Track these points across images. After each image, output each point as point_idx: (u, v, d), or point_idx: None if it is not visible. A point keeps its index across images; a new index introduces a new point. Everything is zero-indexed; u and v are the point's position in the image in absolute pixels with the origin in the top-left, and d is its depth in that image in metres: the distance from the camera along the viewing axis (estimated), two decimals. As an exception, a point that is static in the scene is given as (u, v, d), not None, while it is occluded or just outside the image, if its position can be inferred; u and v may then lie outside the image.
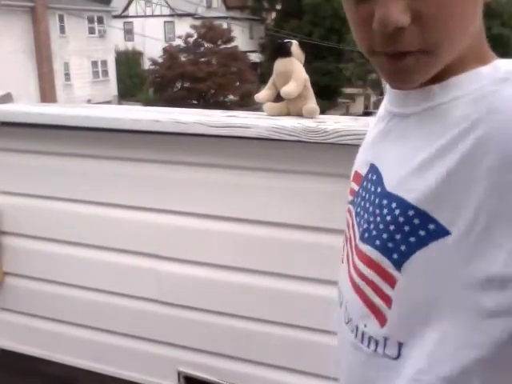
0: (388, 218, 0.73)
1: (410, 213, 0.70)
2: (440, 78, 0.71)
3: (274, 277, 1.83)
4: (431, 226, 0.68)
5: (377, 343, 0.76)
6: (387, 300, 0.74)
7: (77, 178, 2.05)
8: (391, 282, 0.73)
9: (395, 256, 0.72)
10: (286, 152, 1.70)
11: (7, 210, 2.19)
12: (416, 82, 0.71)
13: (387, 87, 0.78)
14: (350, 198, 0.88)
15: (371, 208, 0.78)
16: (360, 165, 0.87)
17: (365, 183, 0.83)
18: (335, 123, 1.61)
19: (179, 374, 2.07)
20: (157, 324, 2.06)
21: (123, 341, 2.13)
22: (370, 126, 0.90)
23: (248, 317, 1.91)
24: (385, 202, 0.75)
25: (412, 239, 0.70)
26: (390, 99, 0.81)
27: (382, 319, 0.75)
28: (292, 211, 1.75)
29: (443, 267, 0.68)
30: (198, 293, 1.97)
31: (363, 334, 0.78)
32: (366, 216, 0.79)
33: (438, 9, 0.65)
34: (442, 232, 0.67)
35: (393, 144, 0.78)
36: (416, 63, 0.68)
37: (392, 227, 0.72)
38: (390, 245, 0.73)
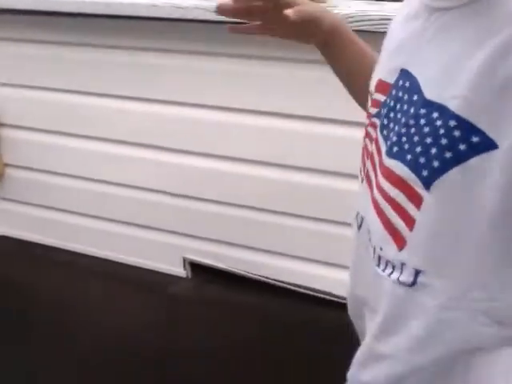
0: (426, 129, 0.65)
1: (451, 123, 0.62)
2: None
3: (279, 168, 1.83)
4: (474, 139, 0.60)
5: (393, 267, 0.70)
6: (410, 222, 0.67)
7: (74, 68, 1.99)
8: (417, 201, 0.66)
9: (425, 173, 0.64)
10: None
11: (4, 102, 2.14)
12: None
13: None
14: (374, 110, 0.79)
15: (404, 119, 0.69)
16: (385, 72, 0.77)
17: (394, 92, 0.73)
18: (347, 8, 1.53)
19: (185, 260, 2.13)
20: (160, 213, 2.08)
21: (128, 229, 2.17)
22: (391, 27, 0.80)
23: (252, 206, 1.93)
24: (423, 111, 0.66)
25: (448, 154, 0.62)
26: None
27: (400, 242, 0.69)
28: (293, 100, 1.71)
29: (481, 190, 0.61)
30: (200, 182, 1.97)
31: (380, 258, 0.73)
32: (396, 128, 0.70)
33: None
34: (487, 145, 0.59)
35: (431, 44, 0.68)
36: None
37: (429, 139, 0.64)
38: (422, 160, 0.65)
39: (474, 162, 0.61)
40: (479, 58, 0.60)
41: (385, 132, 0.74)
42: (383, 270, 0.72)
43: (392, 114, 0.73)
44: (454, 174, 0.62)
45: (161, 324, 1.96)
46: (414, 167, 0.66)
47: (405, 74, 0.72)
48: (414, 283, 0.68)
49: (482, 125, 0.60)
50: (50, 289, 2.13)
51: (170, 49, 1.83)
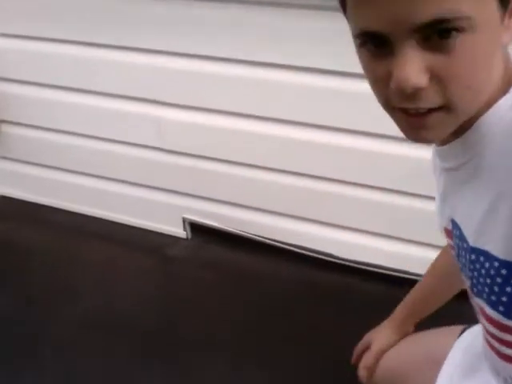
0: (482, 271, 0.72)
1: (496, 264, 0.68)
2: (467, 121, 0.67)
3: (282, 124, 1.77)
4: None
5: None
6: None
7: (71, 17, 1.90)
8: (510, 330, 0.73)
9: (501, 308, 0.72)
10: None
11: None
12: (437, 139, 0.67)
13: None
14: (452, 252, 0.86)
15: (467, 264, 0.77)
16: (445, 219, 0.84)
17: (454, 239, 0.81)
18: None
19: (184, 220, 2.09)
20: (160, 172, 2.03)
21: (126, 188, 2.12)
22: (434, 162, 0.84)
23: (253, 165, 1.88)
24: (473, 256, 0.73)
25: (509, 289, 0.69)
26: (435, 152, 0.78)
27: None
28: (296, 51, 1.63)
29: None
30: (202, 140, 1.91)
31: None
32: (467, 272, 0.78)
33: (460, 68, 0.59)
34: None
35: (457, 196, 0.75)
36: (437, 120, 0.63)
37: (488, 281, 0.71)
38: (493, 298, 0.72)
39: None
40: (488, 207, 0.66)
41: (464, 272, 0.81)
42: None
43: (461, 259, 0.80)
44: None
45: (160, 286, 1.93)
46: (492, 305, 0.73)
47: (454, 223, 0.79)
48: None
49: None
50: (46, 249, 2.10)
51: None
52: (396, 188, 1.71)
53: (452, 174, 0.74)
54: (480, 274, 0.73)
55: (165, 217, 2.11)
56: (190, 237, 2.11)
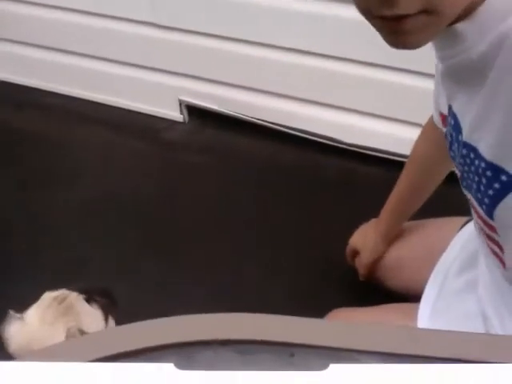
0: (472, 168, 0.72)
1: (482, 164, 0.68)
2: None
3: None
4: (503, 178, 0.66)
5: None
6: (499, 246, 0.76)
7: None
8: (493, 229, 0.74)
9: (484, 207, 0.72)
10: None
11: None
12: (420, 45, 0.63)
13: None
14: (446, 141, 0.84)
15: (458, 157, 0.76)
16: (442, 104, 0.82)
17: (448, 128, 0.79)
18: None
19: (181, 103, 2.00)
20: (155, 50, 1.92)
21: (121, 69, 2.01)
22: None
23: (256, 42, 1.76)
24: (464, 151, 0.73)
25: (490, 192, 0.69)
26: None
27: (502, 263, 0.79)
28: None
29: None
30: (200, 14, 1.79)
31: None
32: (458, 164, 0.78)
33: None
34: None
35: (454, 87, 0.73)
36: (418, 25, 0.59)
37: (476, 178, 0.71)
38: (479, 195, 0.72)
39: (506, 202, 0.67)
40: (478, 110, 0.65)
41: (455, 161, 0.80)
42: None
43: (452, 148, 0.79)
44: (502, 208, 0.69)
45: (157, 172, 1.89)
46: (478, 201, 0.74)
47: (451, 110, 0.76)
48: None
49: (503, 164, 0.65)
50: (39, 133, 2.03)
51: None
52: (405, 67, 1.62)
53: (449, 63, 0.71)
54: (469, 170, 0.73)
55: (160, 99, 2.02)
56: (187, 120, 2.04)
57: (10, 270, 1.54)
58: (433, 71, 0.85)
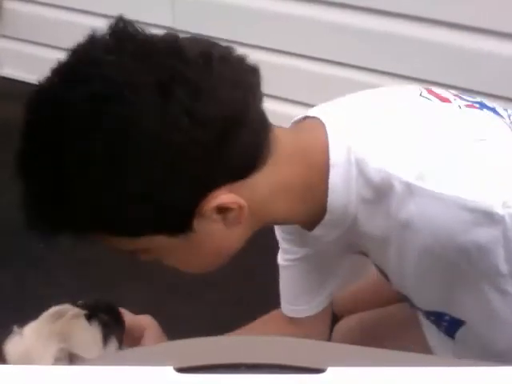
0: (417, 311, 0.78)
1: (421, 313, 0.77)
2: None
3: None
4: (446, 318, 0.72)
5: None
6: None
7: None
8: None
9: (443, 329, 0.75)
10: None
11: None
12: None
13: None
14: None
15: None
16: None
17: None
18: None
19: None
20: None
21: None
22: None
23: (269, 48, 1.76)
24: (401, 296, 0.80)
25: (442, 329, 0.74)
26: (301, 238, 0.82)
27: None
28: None
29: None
30: (219, 21, 1.78)
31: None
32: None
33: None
34: (458, 321, 0.71)
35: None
36: None
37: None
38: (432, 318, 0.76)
39: (460, 333, 0.72)
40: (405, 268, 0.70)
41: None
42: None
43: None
44: (460, 334, 0.72)
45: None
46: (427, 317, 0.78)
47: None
48: None
49: (441, 310, 0.71)
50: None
51: None
52: (407, 74, 1.59)
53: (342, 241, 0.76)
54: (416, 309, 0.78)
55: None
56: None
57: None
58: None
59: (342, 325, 1.11)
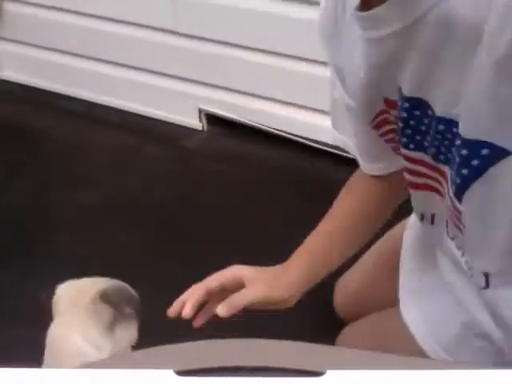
0: (446, 142, 0.67)
1: (457, 142, 0.63)
2: None
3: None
4: (484, 152, 0.60)
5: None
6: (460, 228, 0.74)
7: None
8: (459, 212, 0.71)
9: (454, 189, 0.68)
10: None
11: None
12: None
13: None
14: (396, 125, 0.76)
15: (431, 134, 0.69)
16: (379, 93, 0.75)
17: (400, 111, 0.72)
18: None
19: (200, 111, 1.99)
20: (176, 58, 1.91)
21: (142, 76, 2.01)
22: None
23: (275, 52, 1.74)
24: (440, 127, 0.66)
25: (464, 171, 0.64)
26: (355, 21, 0.68)
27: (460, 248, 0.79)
28: None
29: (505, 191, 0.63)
30: (221, 24, 1.77)
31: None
32: (428, 141, 0.71)
33: None
34: (499, 154, 0.60)
35: (407, 63, 0.65)
36: None
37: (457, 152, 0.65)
38: (453, 176, 0.68)
39: (493, 171, 0.61)
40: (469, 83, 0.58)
41: (412, 144, 0.75)
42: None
43: (406, 133, 0.72)
44: (477, 186, 0.64)
45: (173, 178, 1.87)
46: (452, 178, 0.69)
47: (401, 93, 0.70)
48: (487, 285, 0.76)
49: (487, 138, 0.59)
50: (62, 136, 2.02)
51: None
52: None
53: (389, 41, 0.64)
54: (451, 145, 0.67)
55: (180, 107, 2.01)
56: (206, 129, 2.02)
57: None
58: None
59: (348, 331, 1.12)
